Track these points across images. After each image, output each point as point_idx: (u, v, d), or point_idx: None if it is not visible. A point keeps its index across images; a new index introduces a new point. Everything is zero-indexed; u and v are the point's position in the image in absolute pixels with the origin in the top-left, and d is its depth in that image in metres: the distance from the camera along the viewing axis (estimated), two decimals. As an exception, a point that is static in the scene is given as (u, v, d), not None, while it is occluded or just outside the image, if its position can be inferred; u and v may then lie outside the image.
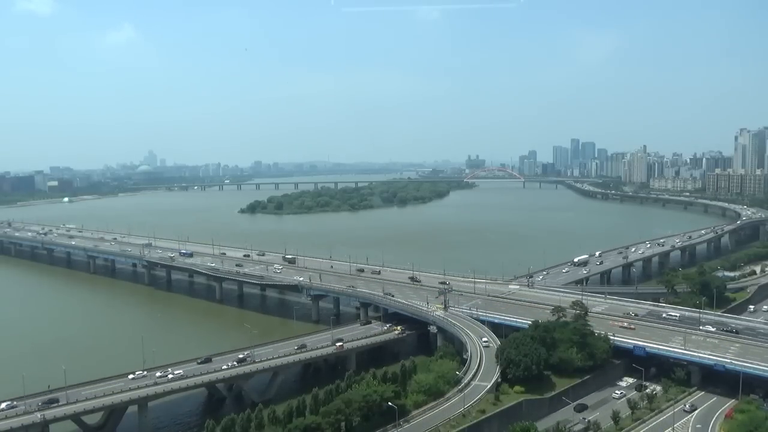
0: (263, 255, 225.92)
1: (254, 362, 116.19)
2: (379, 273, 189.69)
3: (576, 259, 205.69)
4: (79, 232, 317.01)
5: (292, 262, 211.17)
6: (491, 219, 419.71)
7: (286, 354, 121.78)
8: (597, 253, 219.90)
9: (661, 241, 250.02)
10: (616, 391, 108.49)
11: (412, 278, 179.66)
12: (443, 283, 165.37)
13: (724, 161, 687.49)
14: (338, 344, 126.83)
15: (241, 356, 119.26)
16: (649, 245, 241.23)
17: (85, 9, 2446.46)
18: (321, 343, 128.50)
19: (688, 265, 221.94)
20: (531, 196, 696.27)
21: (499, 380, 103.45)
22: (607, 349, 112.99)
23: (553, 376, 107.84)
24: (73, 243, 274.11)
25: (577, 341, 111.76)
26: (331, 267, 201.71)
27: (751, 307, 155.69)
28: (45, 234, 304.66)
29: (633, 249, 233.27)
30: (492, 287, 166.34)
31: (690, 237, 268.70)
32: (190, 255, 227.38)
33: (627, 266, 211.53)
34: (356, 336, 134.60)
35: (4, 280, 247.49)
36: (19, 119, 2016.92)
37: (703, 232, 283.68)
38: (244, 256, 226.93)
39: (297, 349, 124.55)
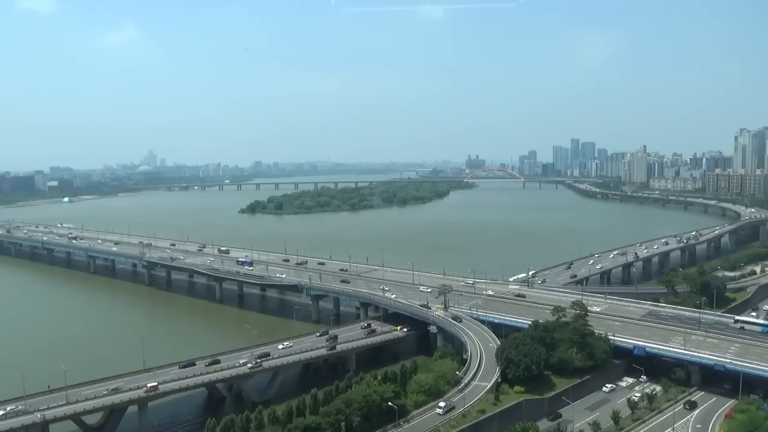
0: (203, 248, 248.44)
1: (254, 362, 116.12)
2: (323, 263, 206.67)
3: (512, 279, 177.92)
4: (81, 233, 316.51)
5: (226, 252, 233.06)
6: (491, 219, 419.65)
7: (285, 354, 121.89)
8: (530, 273, 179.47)
9: (617, 252, 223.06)
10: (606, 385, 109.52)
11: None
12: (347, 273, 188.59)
13: (724, 161, 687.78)
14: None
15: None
16: (612, 255, 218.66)
17: (85, 8, 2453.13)
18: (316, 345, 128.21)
19: (688, 265, 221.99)
20: (531, 196, 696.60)
21: (499, 380, 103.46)
22: (607, 349, 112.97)
23: (553, 376, 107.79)
24: (115, 249, 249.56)
25: (577, 341, 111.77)
26: (247, 256, 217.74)
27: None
28: (75, 238, 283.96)
29: (591, 261, 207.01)
30: (492, 287, 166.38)
31: (666, 243, 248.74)
32: (250, 264, 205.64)
33: (627, 266, 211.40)
34: (356, 336, 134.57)
35: (4, 280, 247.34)
36: (19, 119, 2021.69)
37: (663, 241, 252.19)
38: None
39: (208, 365, 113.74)
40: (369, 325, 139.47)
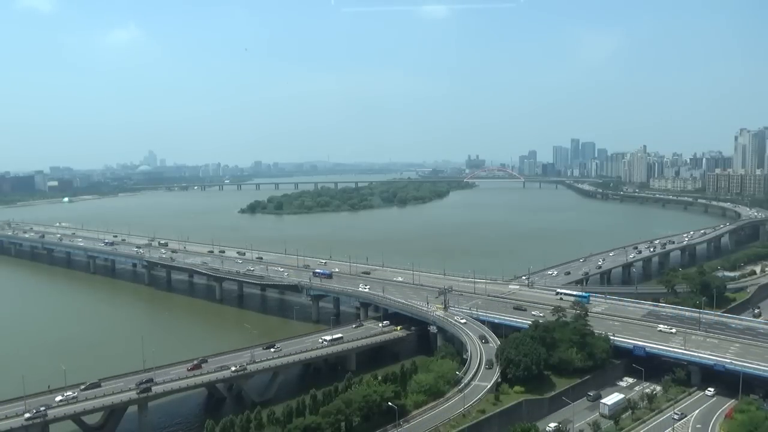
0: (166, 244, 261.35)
1: (254, 362, 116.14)
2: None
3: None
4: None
5: (165, 245, 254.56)
6: (491, 219, 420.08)
7: (285, 354, 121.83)
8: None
9: (558, 270, 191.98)
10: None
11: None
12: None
13: (724, 161, 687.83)
14: None
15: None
16: (554, 273, 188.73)
17: (85, 7, 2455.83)
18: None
19: (688, 265, 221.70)
20: (531, 196, 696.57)
21: (499, 380, 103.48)
22: (607, 349, 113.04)
23: (553, 376, 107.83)
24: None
25: (577, 341, 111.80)
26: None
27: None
28: (113, 244, 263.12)
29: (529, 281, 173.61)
30: (492, 287, 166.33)
31: (640, 251, 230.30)
32: (329, 275, 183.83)
33: (627, 266, 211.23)
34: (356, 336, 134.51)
35: (4, 280, 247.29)
36: (19, 119, 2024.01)
37: (625, 256, 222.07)
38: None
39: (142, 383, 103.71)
40: (198, 365, 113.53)
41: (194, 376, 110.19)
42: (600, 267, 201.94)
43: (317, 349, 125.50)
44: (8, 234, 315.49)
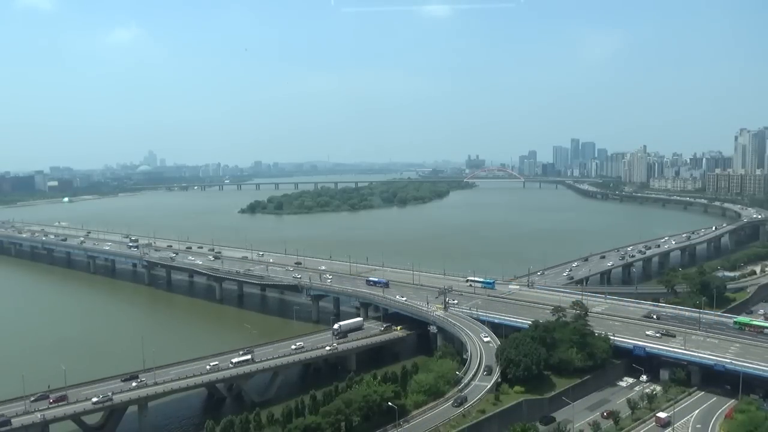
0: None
1: (254, 362, 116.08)
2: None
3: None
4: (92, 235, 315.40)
5: (136, 241, 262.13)
6: (491, 220, 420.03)
7: (286, 354, 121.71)
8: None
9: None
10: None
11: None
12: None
13: (724, 161, 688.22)
14: None
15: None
16: (518, 287, 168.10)
17: (86, 7, 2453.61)
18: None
19: (688, 265, 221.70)
20: (531, 196, 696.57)
21: (499, 380, 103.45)
22: (607, 349, 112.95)
23: (553, 376, 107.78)
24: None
25: (577, 341, 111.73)
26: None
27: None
28: (137, 247, 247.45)
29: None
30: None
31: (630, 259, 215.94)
32: (386, 284, 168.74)
33: (627, 266, 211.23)
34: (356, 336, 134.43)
35: (4, 280, 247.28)
36: (19, 119, 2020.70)
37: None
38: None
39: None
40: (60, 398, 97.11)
41: (194, 376, 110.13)
42: (572, 279, 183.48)
43: (316, 349, 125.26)
44: (24, 236, 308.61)
